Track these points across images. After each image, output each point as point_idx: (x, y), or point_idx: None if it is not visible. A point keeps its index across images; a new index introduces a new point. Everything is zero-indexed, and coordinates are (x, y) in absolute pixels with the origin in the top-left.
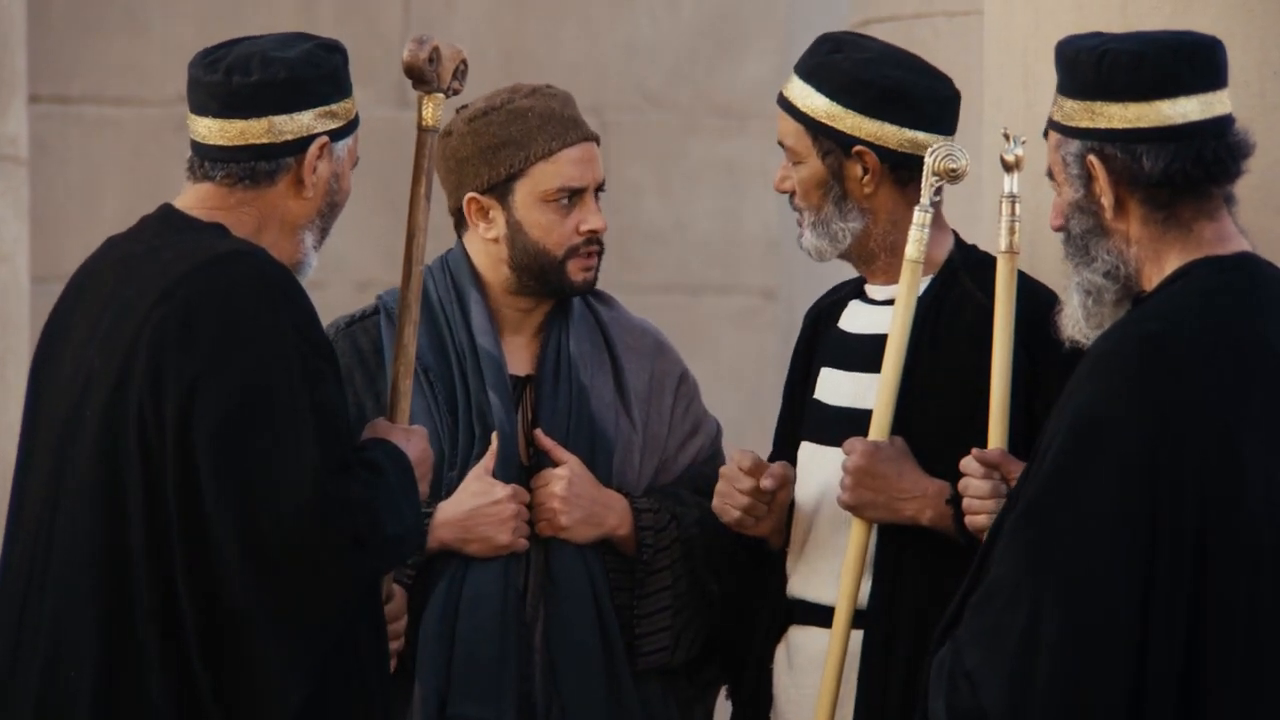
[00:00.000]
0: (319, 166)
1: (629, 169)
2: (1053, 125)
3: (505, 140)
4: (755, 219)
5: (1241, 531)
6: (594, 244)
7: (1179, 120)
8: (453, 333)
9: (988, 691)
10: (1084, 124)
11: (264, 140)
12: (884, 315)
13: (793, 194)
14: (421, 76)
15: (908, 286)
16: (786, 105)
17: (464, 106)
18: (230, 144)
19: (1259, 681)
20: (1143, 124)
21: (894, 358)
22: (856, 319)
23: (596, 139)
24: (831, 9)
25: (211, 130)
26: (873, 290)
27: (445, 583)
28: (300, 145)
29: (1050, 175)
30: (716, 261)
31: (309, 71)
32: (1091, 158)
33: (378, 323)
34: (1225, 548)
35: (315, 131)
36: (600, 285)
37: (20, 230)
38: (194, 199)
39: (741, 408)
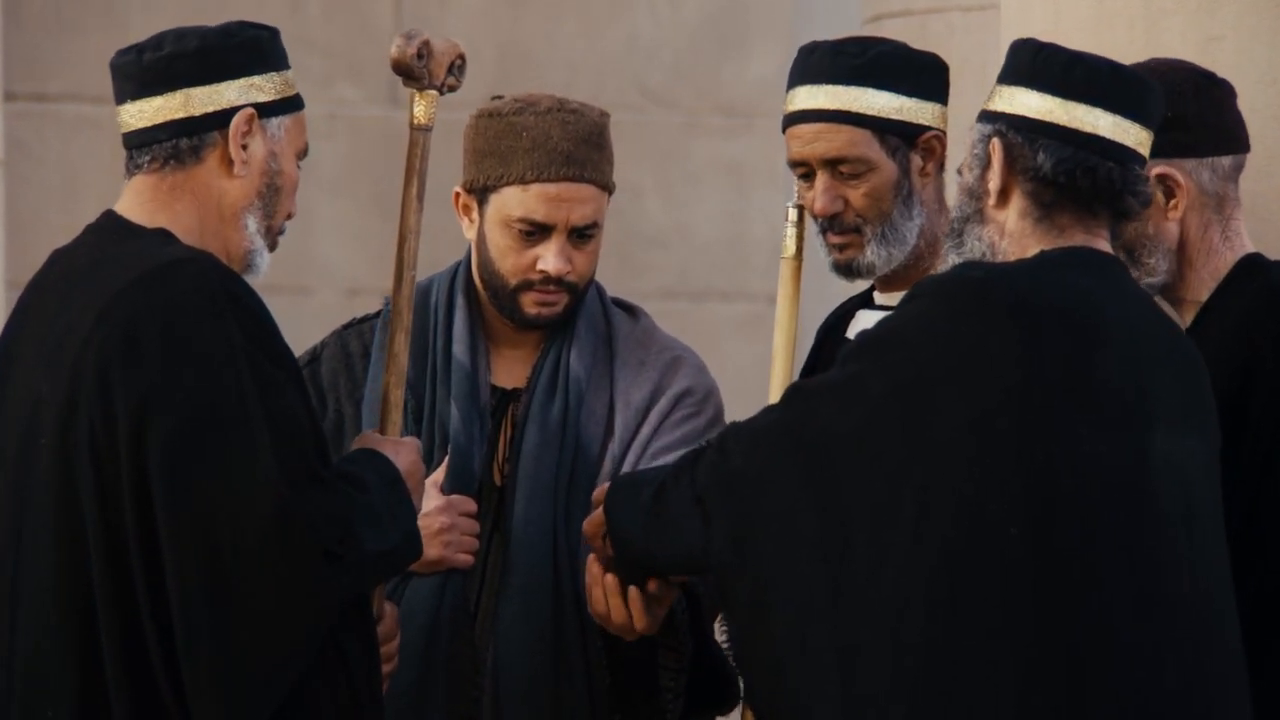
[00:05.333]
0: (250, 143)
1: (629, 170)
2: (980, 114)
3: (492, 150)
4: (760, 222)
5: (1053, 509)
6: (553, 283)
7: (1087, 129)
8: (435, 339)
9: (715, 527)
10: (1000, 108)
11: (181, 115)
12: None
13: (835, 215)
14: (410, 73)
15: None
16: (837, 116)
17: (498, 96)
18: (149, 124)
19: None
20: (1052, 119)
21: None
22: (860, 326)
23: (600, 183)
24: (839, 4)
25: (131, 114)
26: (883, 297)
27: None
28: (223, 118)
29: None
30: (720, 266)
31: (222, 41)
32: (995, 141)
33: (374, 325)
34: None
35: (239, 104)
36: None
37: None
38: (130, 198)
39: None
